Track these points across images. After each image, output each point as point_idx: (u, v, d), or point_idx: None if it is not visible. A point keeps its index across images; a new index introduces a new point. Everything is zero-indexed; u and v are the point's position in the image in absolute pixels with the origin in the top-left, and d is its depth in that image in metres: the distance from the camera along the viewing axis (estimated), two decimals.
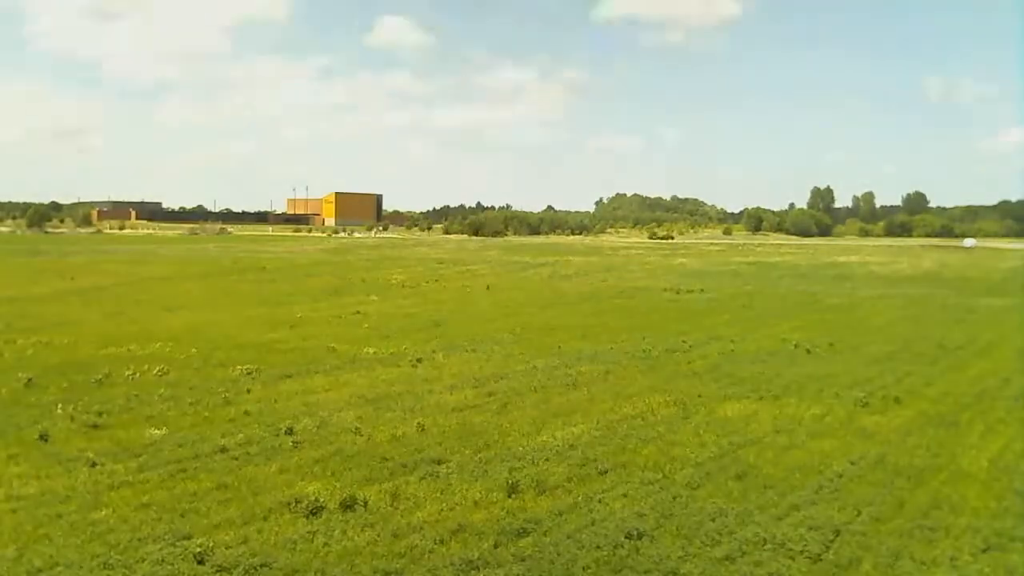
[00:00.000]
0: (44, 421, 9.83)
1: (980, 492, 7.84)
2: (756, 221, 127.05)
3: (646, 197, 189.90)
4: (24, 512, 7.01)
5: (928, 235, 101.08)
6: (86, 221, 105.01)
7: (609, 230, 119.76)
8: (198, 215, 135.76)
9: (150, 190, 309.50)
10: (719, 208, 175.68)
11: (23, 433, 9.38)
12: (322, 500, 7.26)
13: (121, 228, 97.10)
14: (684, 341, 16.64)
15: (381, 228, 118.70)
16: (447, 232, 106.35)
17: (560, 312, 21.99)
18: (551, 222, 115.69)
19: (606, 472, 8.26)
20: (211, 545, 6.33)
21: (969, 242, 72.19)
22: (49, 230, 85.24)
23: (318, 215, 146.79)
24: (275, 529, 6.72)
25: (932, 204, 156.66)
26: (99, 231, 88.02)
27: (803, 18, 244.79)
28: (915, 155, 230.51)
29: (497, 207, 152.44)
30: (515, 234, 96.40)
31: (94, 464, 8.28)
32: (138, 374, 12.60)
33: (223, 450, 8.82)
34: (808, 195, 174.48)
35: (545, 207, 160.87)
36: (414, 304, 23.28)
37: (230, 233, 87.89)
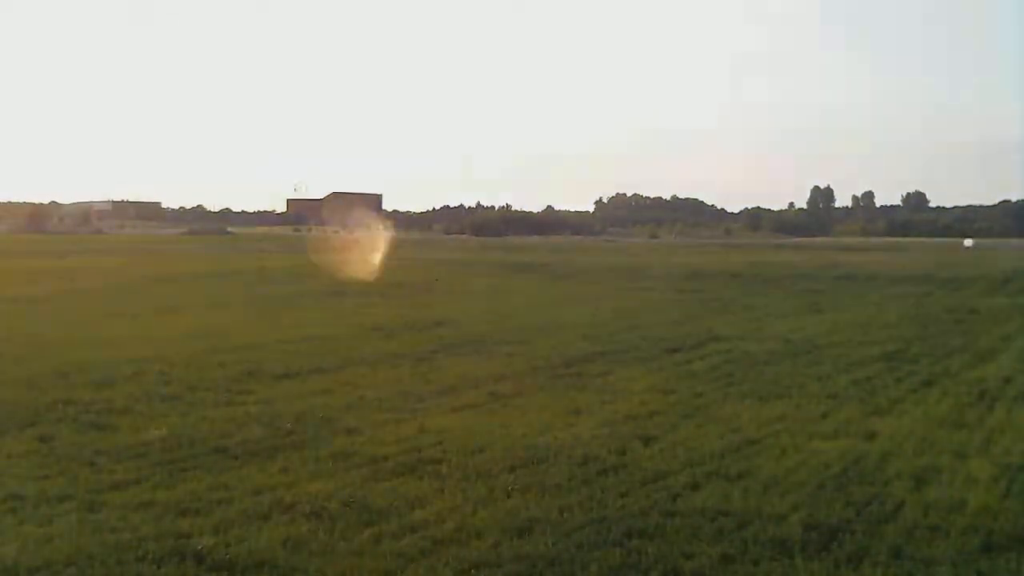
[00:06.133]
0: (43, 421, 9.82)
1: (982, 492, 7.82)
2: (756, 220, 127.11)
3: (646, 197, 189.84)
4: (23, 512, 7.00)
5: (928, 235, 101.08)
6: (86, 221, 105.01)
7: (610, 229, 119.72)
8: (198, 215, 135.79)
9: (150, 190, 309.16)
10: (719, 207, 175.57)
11: (23, 433, 9.37)
12: (323, 500, 7.25)
13: (121, 228, 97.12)
14: (685, 341, 16.62)
15: (382, 228, 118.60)
16: (447, 232, 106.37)
17: (561, 312, 21.97)
18: (551, 222, 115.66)
19: (606, 472, 8.25)
20: (211, 544, 6.32)
21: (969, 242, 72.13)
22: (49, 230, 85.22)
23: (318, 215, 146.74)
24: (276, 529, 6.71)
25: (932, 204, 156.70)
26: (99, 231, 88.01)
27: (802, 16, 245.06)
28: (915, 155, 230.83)
29: (497, 207, 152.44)
30: (515, 234, 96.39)
31: (94, 464, 8.27)
32: (138, 374, 12.58)
33: (224, 450, 8.81)
34: (808, 194, 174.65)
35: (545, 207, 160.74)
36: (415, 304, 23.27)
37: (230, 233, 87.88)
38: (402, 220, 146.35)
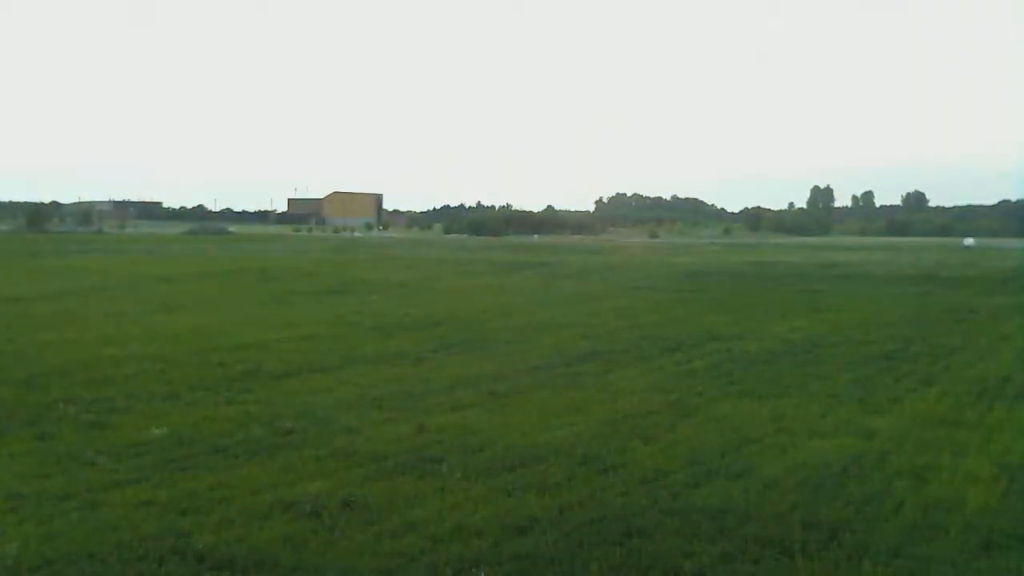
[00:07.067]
0: (44, 420, 9.82)
1: (981, 491, 7.83)
2: (756, 220, 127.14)
3: (646, 197, 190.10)
4: (24, 511, 7.01)
5: (928, 234, 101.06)
6: (86, 221, 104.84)
7: (610, 229, 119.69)
8: (198, 215, 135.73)
9: (151, 190, 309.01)
10: (719, 207, 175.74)
11: (22, 432, 9.37)
12: (322, 499, 7.26)
13: (121, 228, 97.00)
14: (684, 340, 16.62)
15: (381, 227, 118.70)
16: (447, 231, 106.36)
17: (561, 311, 21.98)
18: (551, 222, 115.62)
19: (606, 471, 8.26)
20: (212, 543, 6.33)
21: (969, 241, 72.12)
22: (49, 229, 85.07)
23: (319, 214, 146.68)
24: (275, 528, 6.71)
25: (932, 204, 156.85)
26: (99, 231, 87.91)
27: (801, 16, 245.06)
28: (915, 155, 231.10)
29: (497, 207, 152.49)
30: (515, 234, 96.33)
31: (94, 463, 8.27)
32: (138, 374, 12.57)
33: (223, 449, 8.82)
34: (808, 195, 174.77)
35: (545, 207, 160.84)
36: (414, 304, 23.26)
37: (231, 233, 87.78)
38: (402, 219, 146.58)
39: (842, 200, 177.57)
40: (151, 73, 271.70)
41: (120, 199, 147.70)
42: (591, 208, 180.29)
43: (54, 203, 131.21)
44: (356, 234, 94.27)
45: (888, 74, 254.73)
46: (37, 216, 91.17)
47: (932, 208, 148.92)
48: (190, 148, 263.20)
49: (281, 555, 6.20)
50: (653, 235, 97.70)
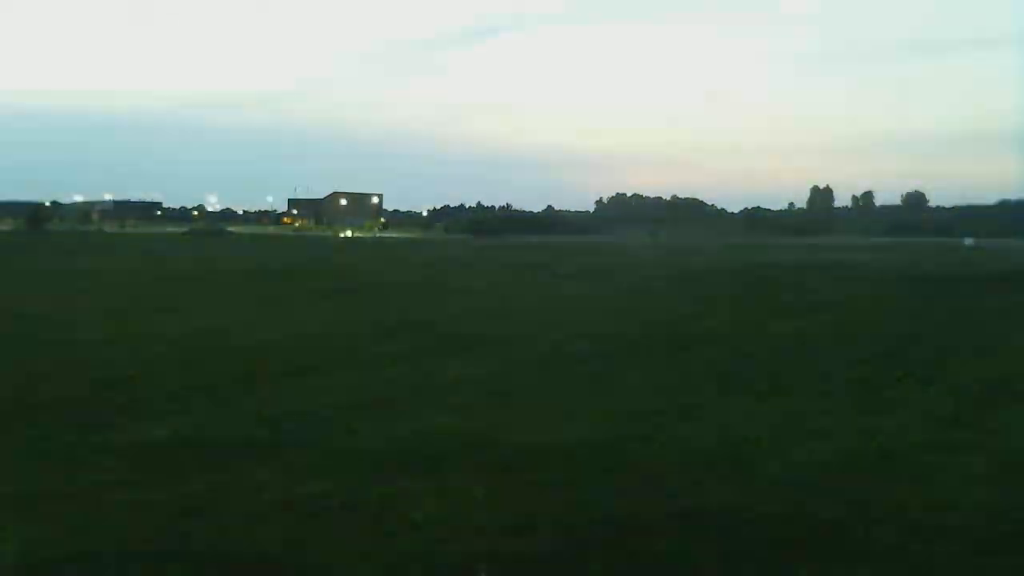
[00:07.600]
0: (43, 420, 9.83)
1: (981, 491, 7.82)
2: (755, 220, 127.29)
3: (646, 197, 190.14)
4: (24, 511, 7.01)
5: (928, 234, 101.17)
6: (86, 220, 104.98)
7: (610, 229, 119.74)
8: (199, 215, 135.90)
9: (150, 190, 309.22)
10: (719, 207, 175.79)
11: (22, 431, 9.38)
12: (322, 500, 7.25)
13: (121, 228, 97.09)
14: (684, 340, 16.63)
15: (381, 227, 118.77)
16: (447, 232, 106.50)
17: (561, 311, 21.98)
18: (551, 222, 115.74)
19: (607, 470, 8.26)
20: (211, 543, 6.32)
21: (970, 241, 72.22)
22: (49, 229, 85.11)
23: (319, 214, 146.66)
24: (275, 528, 6.71)
25: (931, 204, 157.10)
26: (100, 231, 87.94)
27: (801, 15, 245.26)
28: (915, 155, 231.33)
29: (497, 207, 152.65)
30: (515, 234, 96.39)
31: (94, 463, 8.27)
32: (138, 373, 12.58)
33: (224, 449, 8.82)
34: (808, 195, 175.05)
35: (545, 207, 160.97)
36: (415, 303, 23.28)
37: (230, 233, 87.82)
38: (403, 220, 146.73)
39: (842, 200, 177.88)
40: (152, 74, 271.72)
41: (120, 199, 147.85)
42: (591, 208, 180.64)
43: (54, 203, 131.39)
44: (356, 234, 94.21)
45: (888, 73, 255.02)
46: (37, 216, 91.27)
47: (932, 208, 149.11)
48: (190, 148, 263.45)
49: (281, 555, 6.20)
50: (653, 235, 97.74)
